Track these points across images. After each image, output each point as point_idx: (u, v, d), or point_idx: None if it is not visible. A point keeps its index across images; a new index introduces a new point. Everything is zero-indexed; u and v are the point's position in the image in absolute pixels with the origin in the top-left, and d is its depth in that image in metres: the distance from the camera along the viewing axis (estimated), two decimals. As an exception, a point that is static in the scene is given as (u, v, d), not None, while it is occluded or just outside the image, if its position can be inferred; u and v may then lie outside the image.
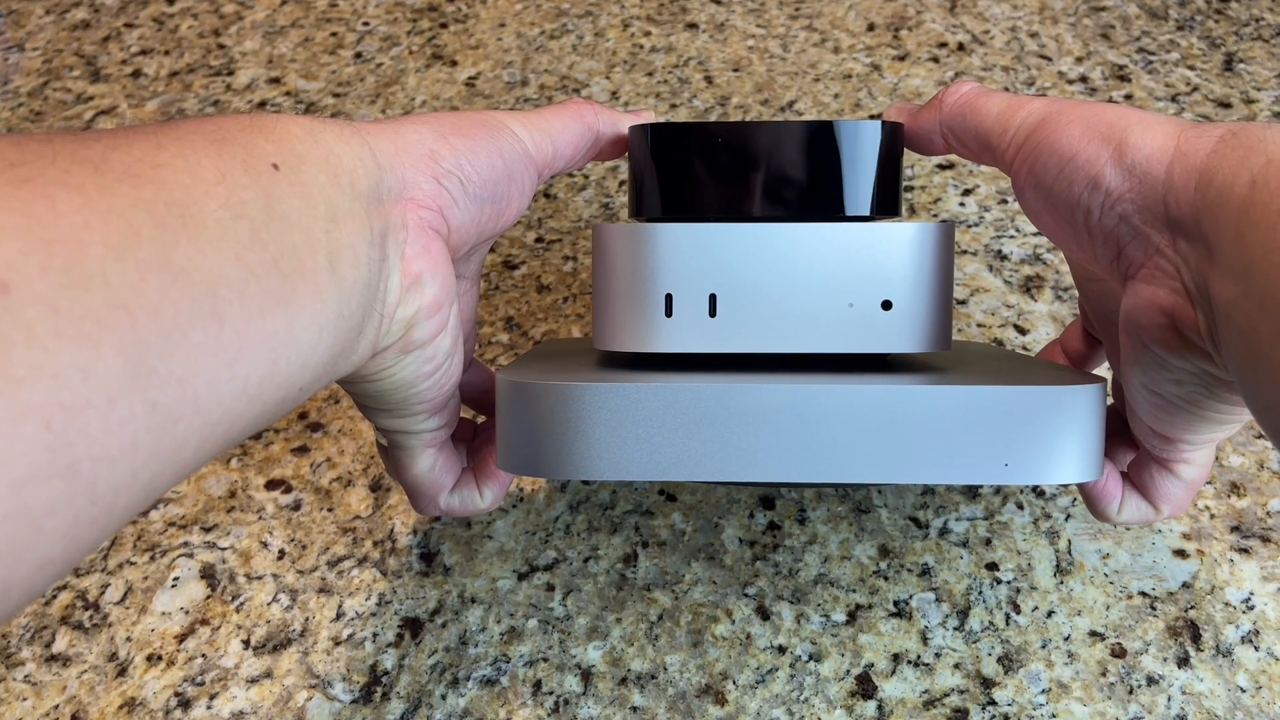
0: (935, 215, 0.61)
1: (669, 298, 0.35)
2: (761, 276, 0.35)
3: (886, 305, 0.35)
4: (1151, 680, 0.41)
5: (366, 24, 0.77)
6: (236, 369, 0.24)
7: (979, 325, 0.54)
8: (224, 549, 0.46)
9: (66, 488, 0.20)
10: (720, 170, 0.36)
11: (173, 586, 0.44)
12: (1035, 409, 0.32)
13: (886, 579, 0.44)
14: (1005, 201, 0.62)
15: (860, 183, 0.36)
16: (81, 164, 0.22)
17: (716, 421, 0.32)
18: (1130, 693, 0.40)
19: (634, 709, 0.40)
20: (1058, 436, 0.33)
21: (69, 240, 0.20)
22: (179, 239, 0.23)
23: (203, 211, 0.24)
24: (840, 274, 0.35)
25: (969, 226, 0.60)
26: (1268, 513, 0.46)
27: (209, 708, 0.40)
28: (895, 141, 0.36)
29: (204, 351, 0.23)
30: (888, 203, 0.36)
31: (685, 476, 0.32)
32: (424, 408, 0.35)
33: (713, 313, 0.35)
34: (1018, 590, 0.43)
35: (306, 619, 0.43)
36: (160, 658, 0.42)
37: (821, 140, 0.35)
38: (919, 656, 0.41)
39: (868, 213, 0.36)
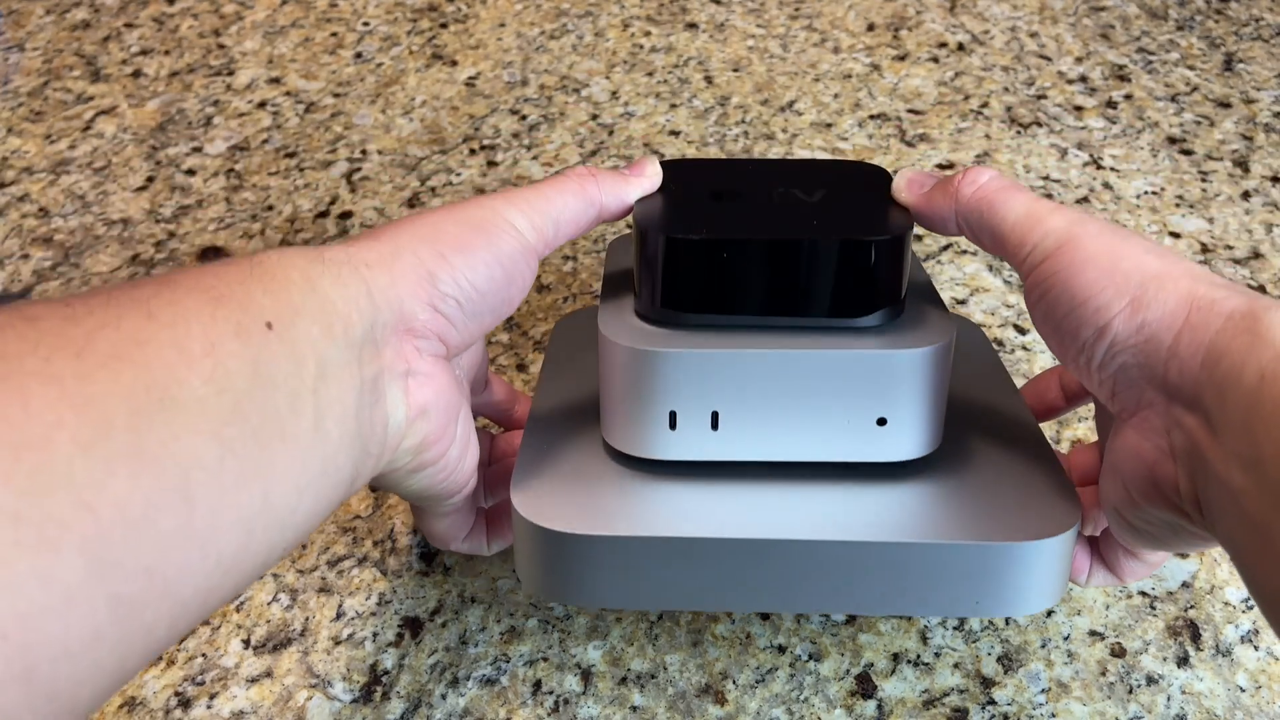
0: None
1: (673, 414, 0.37)
2: (762, 396, 0.36)
3: (881, 422, 0.37)
4: (1151, 680, 0.41)
5: (366, 24, 0.77)
6: (208, 549, 0.24)
7: (979, 325, 0.54)
8: (224, 549, 0.46)
9: (23, 691, 0.20)
10: (728, 285, 0.37)
11: (173, 586, 0.44)
12: (1008, 561, 0.35)
13: (886, 578, 0.44)
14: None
15: (864, 297, 0.37)
16: (63, 350, 0.22)
17: (711, 566, 0.35)
18: (1130, 692, 0.40)
19: (634, 708, 0.40)
20: (1027, 580, 0.35)
21: (37, 443, 0.21)
22: (154, 424, 0.23)
23: (184, 390, 0.24)
24: (839, 395, 0.36)
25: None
26: (1267, 512, 0.46)
27: (209, 707, 0.40)
28: (900, 251, 0.37)
29: (173, 537, 0.23)
30: (890, 301, 0.38)
31: (685, 607, 0.37)
32: (441, 497, 0.36)
33: (715, 426, 0.37)
34: (1017, 590, 0.43)
35: (307, 618, 0.43)
36: (160, 657, 0.42)
37: (826, 258, 0.36)
38: (919, 656, 0.41)
39: (873, 324, 0.37)
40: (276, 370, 0.27)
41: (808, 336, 0.36)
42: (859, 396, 0.36)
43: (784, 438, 0.37)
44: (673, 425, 0.37)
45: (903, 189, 0.38)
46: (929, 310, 0.38)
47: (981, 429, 0.40)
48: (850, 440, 0.37)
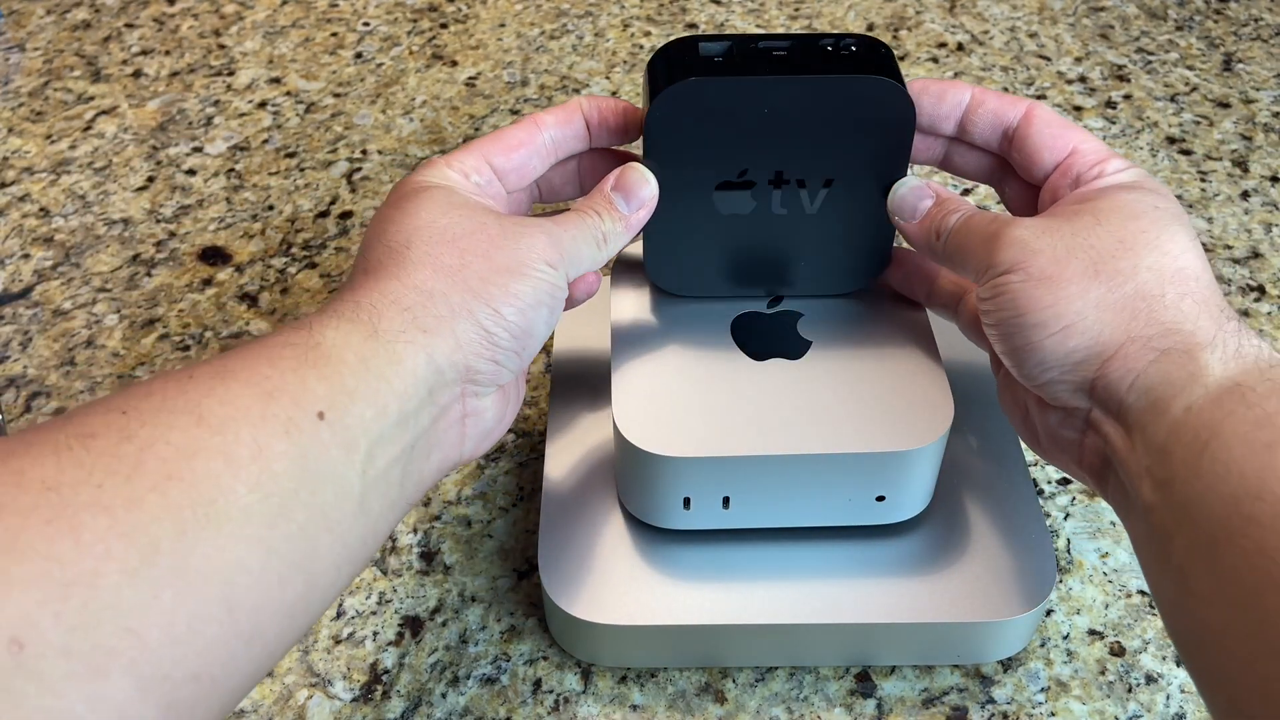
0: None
1: (687, 500, 0.40)
2: (769, 488, 0.39)
3: (880, 498, 0.40)
4: (1150, 679, 0.41)
5: (367, 24, 0.78)
6: (253, 643, 0.26)
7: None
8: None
9: None
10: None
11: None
12: (989, 630, 0.40)
13: (886, 578, 0.44)
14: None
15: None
16: (116, 474, 0.24)
17: (717, 644, 0.40)
18: (1129, 691, 0.40)
19: (634, 707, 0.40)
20: (1001, 638, 0.41)
21: (86, 579, 0.22)
22: (199, 541, 0.25)
23: (230, 501, 0.26)
24: (841, 485, 0.39)
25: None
26: (1266, 512, 0.46)
27: (210, 706, 0.40)
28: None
29: (218, 642, 0.25)
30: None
31: (696, 664, 0.41)
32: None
33: (726, 506, 0.40)
34: (1017, 589, 0.43)
35: (307, 618, 0.43)
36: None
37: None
38: (918, 655, 0.42)
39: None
40: (325, 462, 0.28)
41: (812, 436, 0.38)
42: (860, 485, 0.39)
43: (790, 513, 0.40)
44: (687, 506, 0.40)
45: (897, 210, 0.39)
46: (928, 389, 0.40)
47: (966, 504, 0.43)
48: (850, 513, 0.40)
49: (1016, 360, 0.34)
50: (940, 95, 0.39)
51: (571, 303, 0.39)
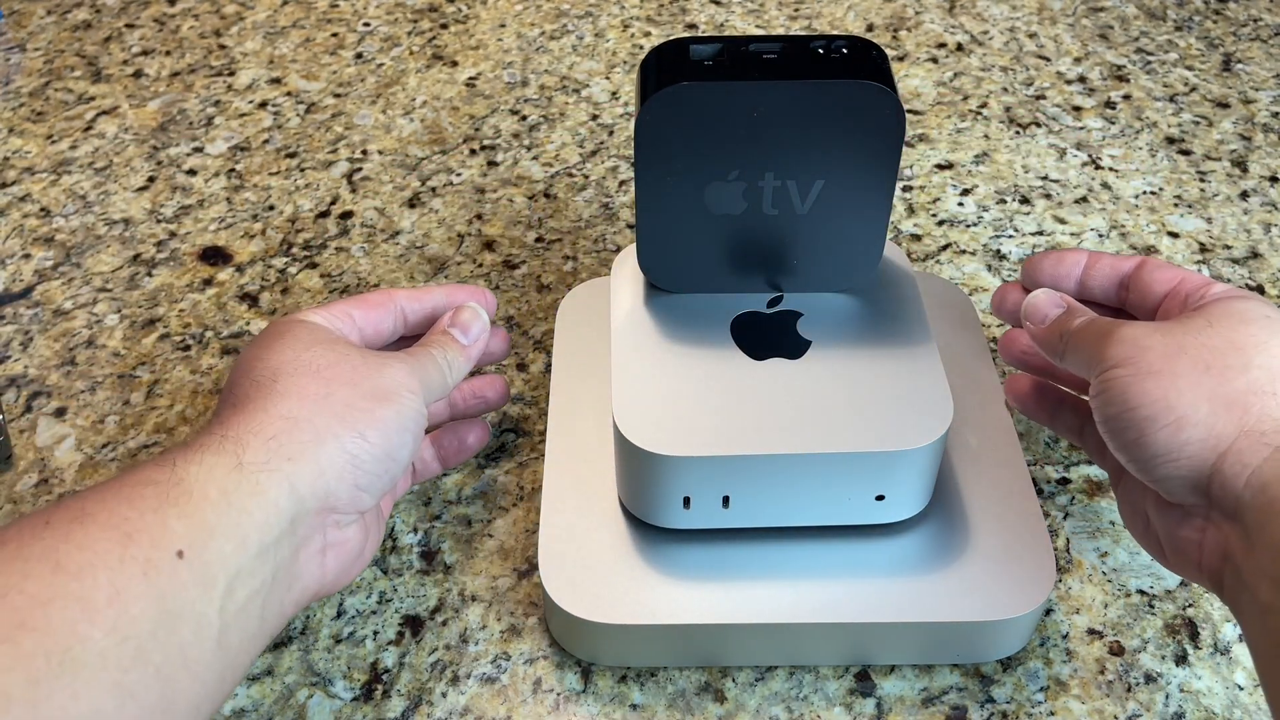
0: (934, 216, 0.61)
1: (687, 499, 0.40)
2: (769, 488, 0.39)
3: (880, 498, 0.40)
4: (1150, 678, 0.41)
5: (367, 24, 0.78)
6: None
7: (980, 324, 0.54)
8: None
9: None
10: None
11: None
12: (992, 629, 0.40)
13: (885, 577, 0.44)
14: (1004, 201, 0.62)
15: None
16: None
17: (717, 644, 0.40)
18: (1128, 690, 0.41)
19: (634, 707, 0.40)
20: (1003, 638, 0.41)
21: None
22: (53, 691, 0.25)
23: (86, 648, 0.26)
24: (840, 484, 0.39)
25: (968, 226, 0.61)
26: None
27: (210, 705, 0.40)
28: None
29: None
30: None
31: (696, 664, 0.41)
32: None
33: (725, 506, 0.40)
34: (1016, 588, 0.43)
35: (307, 617, 0.43)
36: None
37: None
38: (918, 654, 0.42)
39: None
40: (183, 601, 0.28)
41: (812, 436, 0.39)
42: (859, 485, 0.39)
43: (789, 512, 0.40)
44: (686, 506, 0.40)
45: (1029, 316, 0.41)
46: (928, 389, 0.40)
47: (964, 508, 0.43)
48: (849, 512, 0.40)
49: (1131, 455, 0.34)
50: (1059, 259, 0.42)
51: (461, 455, 0.45)
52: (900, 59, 0.74)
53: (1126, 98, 0.70)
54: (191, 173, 0.65)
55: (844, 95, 0.37)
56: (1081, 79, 0.72)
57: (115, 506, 0.29)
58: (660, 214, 0.40)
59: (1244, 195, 0.63)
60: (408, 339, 0.43)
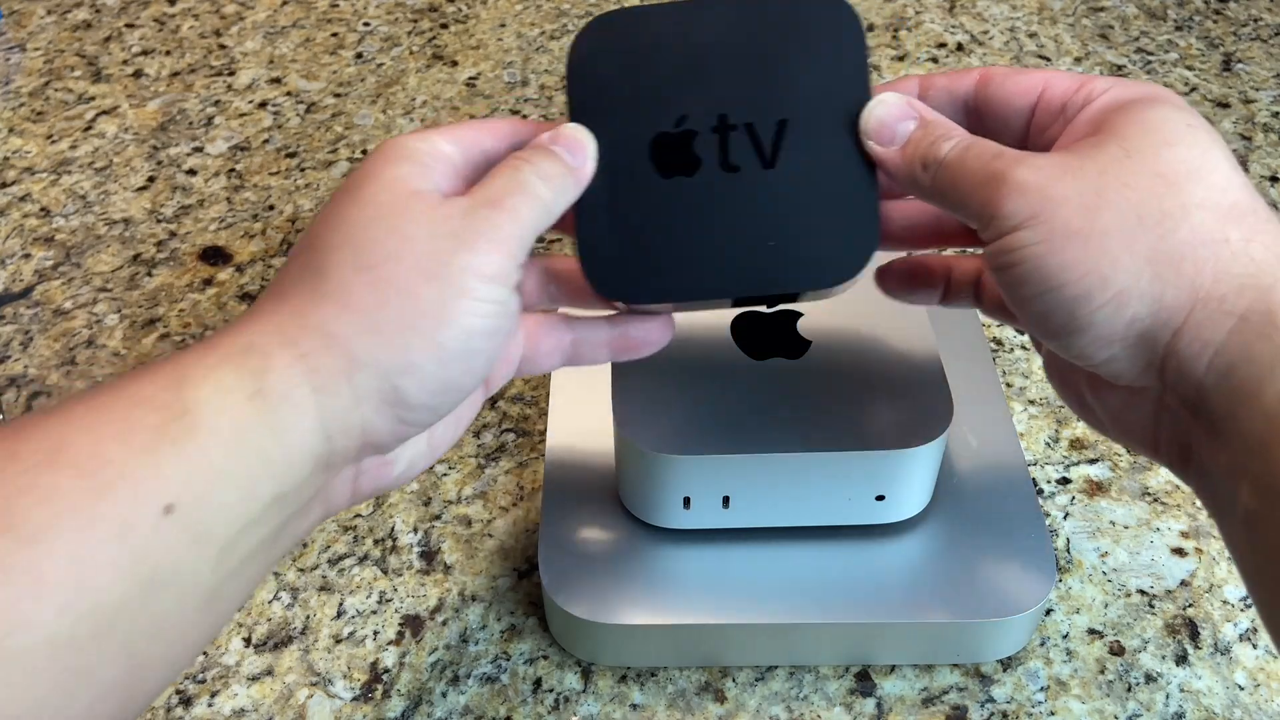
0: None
1: (687, 499, 0.40)
2: (769, 488, 0.39)
3: (880, 498, 0.40)
4: (1150, 678, 0.41)
5: (367, 24, 0.78)
6: None
7: (980, 324, 0.54)
8: (225, 547, 0.46)
9: None
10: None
11: (174, 585, 0.44)
12: (986, 629, 0.40)
13: (885, 577, 0.44)
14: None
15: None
16: None
17: (717, 644, 0.41)
18: (1129, 690, 0.41)
19: (634, 706, 0.40)
20: (998, 635, 0.41)
21: None
22: None
23: (29, 633, 0.22)
24: (841, 485, 0.39)
25: (968, 226, 0.60)
26: (1266, 511, 0.46)
27: (210, 705, 0.40)
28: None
29: None
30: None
31: (696, 664, 0.41)
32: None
33: (726, 506, 0.40)
34: (1016, 588, 0.43)
35: (307, 617, 0.43)
36: (162, 655, 0.42)
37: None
38: (918, 654, 0.42)
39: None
40: (167, 564, 0.24)
41: (812, 436, 0.39)
42: (859, 485, 0.39)
43: (789, 512, 0.40)
44: (686, 506, 0.40)
45: (873, 134, 0.31)
46: (928, 389, 0.40)
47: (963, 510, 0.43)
48: (850, 513, 0.40)
49: (1061, 343, 0.28)
50: (886, 90, 0.32)
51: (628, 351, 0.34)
52: (900, 59, 0.73)
53: (1127, 98, 0.70)
54: (191, 173, 0.65)
55: (790, 8, 0.33)
56: (1082, 79, 0.72)
57: (100, 439, 0.24)
58: (601, 189, 0.33)
59: (1244, 195, 0.63)
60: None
